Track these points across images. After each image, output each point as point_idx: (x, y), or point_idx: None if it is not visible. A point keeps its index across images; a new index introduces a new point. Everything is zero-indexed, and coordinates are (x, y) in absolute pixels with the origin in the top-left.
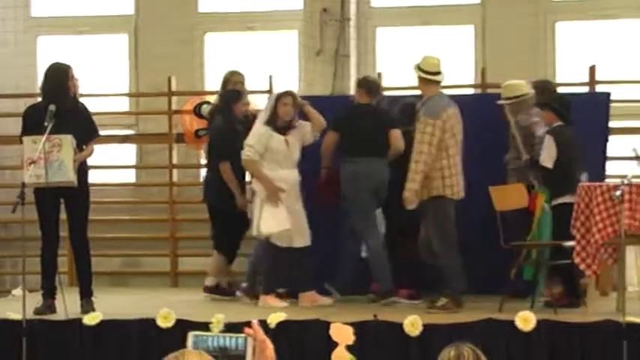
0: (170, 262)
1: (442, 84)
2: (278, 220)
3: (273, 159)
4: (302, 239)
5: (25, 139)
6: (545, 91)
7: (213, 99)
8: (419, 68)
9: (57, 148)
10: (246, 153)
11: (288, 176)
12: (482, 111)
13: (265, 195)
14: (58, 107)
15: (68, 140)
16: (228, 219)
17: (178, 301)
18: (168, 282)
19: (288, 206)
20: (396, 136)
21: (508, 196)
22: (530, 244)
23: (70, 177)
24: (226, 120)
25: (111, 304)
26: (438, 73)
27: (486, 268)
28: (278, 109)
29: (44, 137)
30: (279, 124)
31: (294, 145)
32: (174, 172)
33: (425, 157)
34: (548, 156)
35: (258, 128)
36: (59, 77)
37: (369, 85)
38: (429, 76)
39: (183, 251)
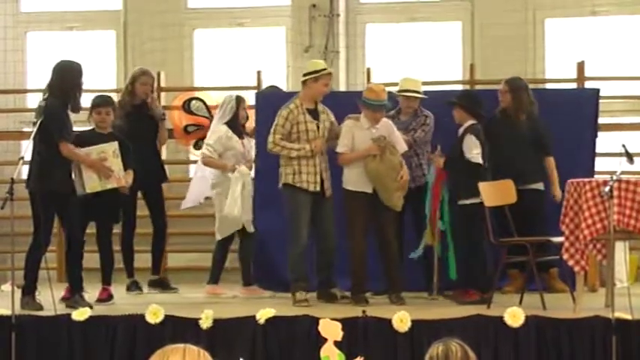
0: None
1: (430, 80)
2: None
3: (235, 156)
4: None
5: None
6: (520, 90)
7: (203, 95)
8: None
9: (105, 156)
10: (205, 152)
11: (245, 170)
12: None
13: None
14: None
15: (114, 147)
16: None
17: (167, 297)
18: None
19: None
20: None
21: (497, 192)
22: (519, 240)
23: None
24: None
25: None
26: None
27: None
28: (238, 112)
29: (33, 133)
30: (238, 126)
31: (249, 146)
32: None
33: None
34: (479, 153)
35: (220, 128)
36: (76, 75)
37: None
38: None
39: (172, 247)
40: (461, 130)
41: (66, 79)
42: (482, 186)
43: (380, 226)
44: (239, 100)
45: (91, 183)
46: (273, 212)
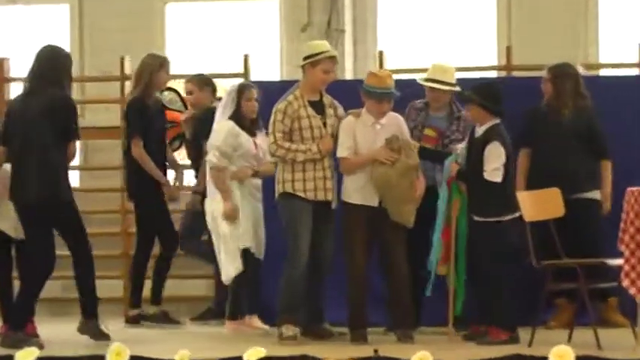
0: (123, 285)
1: (458, 66)
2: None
3: (244, 158)
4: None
5: None
6: (563, 79)
7: (177, 85)
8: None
9: None
10: (213, 159)
11: (257, 181)
12: (507, 97)
13: (222, 213)
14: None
15: None
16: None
17: (133, 333)
18: (120, 310)
19: (253, 207)
20: None
21: (540, 204)
22: (568, 262)
23: None
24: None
25: (51, 337)
26: None
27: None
28: (241, 104)
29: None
30: (244, 121)
31: (263, 149)
32: None
33: None
34: (499, 168)
35: (223, 125)
36: (68, 62)
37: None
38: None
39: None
40: (480, 131)
41: (57, 67)
42: (522, 196)
43: (386, 246)
44: (240, 89)
45: None
46: (266, 230)
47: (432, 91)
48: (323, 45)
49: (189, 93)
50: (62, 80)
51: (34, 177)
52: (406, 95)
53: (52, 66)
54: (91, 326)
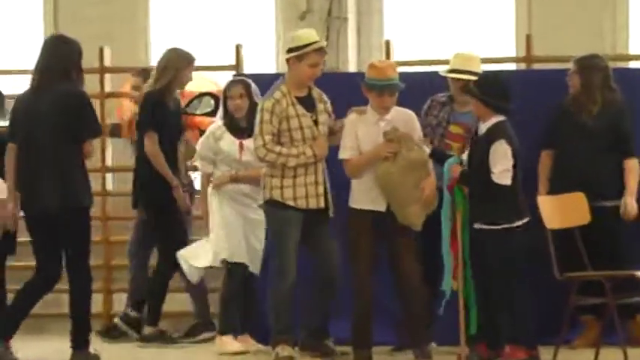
0: (103, 299)
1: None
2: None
3: (226, 163)
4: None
5: None
6: (591, 72)
7: None
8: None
9: None
10: (200, 165)
11: (243, 187)
12: (527, 92)
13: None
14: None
15: None
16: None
17: (115, 351)
18: (100, 326)
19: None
20: None
21: (563, 210)
22: (593, 274)
23: None
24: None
25: (25, 356)
26: None
27: (534, 308)
28: (227, 104)
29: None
30: (237, 122)
31: (251, 152)
32: (108, 177)
33: None
34: (508, 169)
35: (211, 127)
36: (77, 53)
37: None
38: None
39: (120, 285)
40: (483, 129)
41: (65, 58)
42: (543, 201)
43: (394, 252)
44: (225, 88)
45: None
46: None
47: (457, 83)
48: (309, 36)
49: (135, 88)
50: (71, 73)
51: (44, 182)
52: (425, 89)
53: (59, 57)
54: (81, 358)
